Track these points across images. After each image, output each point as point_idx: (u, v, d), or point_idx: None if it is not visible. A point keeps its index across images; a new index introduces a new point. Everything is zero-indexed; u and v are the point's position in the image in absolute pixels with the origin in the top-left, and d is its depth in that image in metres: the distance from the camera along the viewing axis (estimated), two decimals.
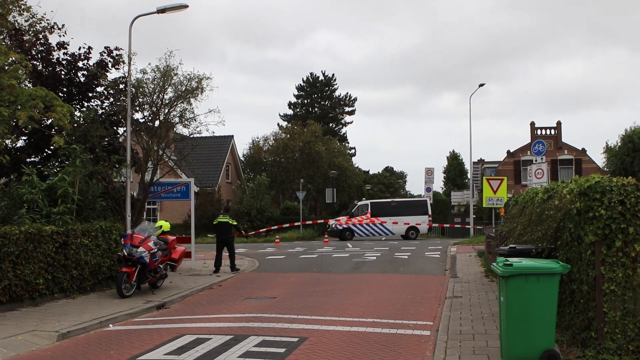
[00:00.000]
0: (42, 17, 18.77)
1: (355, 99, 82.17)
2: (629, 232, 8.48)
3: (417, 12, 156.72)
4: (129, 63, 19.30)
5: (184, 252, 18.63)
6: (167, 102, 20.52)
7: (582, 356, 8.58)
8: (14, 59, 14.94)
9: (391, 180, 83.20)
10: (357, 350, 9.91)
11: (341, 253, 28.91)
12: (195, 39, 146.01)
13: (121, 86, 20.19)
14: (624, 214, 8.51)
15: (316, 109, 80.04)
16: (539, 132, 57.73)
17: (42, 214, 15.83)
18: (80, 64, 20.07)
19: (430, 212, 45.86)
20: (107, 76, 20.29)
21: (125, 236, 16.06)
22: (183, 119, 20.84)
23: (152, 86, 20.22)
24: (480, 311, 12.86)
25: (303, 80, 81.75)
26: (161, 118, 20.67)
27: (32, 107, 14.78)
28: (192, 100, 20.45)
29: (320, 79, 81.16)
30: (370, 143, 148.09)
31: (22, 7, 17.73)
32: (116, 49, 20.51)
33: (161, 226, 17.68)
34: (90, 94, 20.32)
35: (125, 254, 15.51)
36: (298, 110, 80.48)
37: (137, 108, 20.56)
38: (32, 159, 19.65)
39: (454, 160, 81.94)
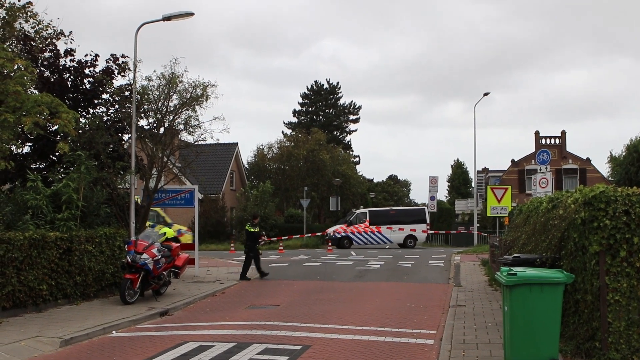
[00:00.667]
0: (49, 24, 18.83)
1: (359, 107, 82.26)
2: (634, 242, 8.47)
3: (422, 21, 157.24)
4: (135, 70, 19.36)
5: (188, 259, 18.63)
6: (172, 109, 20.54)
7: None
8: (20, 65, 14.99)
9: (395, 188, 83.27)
10: (361, 359, 9.89)
11: (345, 261, 28.87)
12: (202, 46, 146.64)
13: (126, 93, 20.23)
14: (629, 224, 8.50)
15: (321, 117, 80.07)
16: (543, 141, 57.70)
17: (46, 220, 15.86)
18: (86, 70, 20.12)
19: (428, 221, 45.83)
20: (112, 83, 20.33)
21: (129, 243, 16.07)
22: (188, 126, 20.86)
23: (157, 93, 20.24)
24: (484, 320, 12.83)
25: (308, 88, 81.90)
26: (166, 125, 20.70)
27: (37, 114, 14.80)
28: (196, 107, 20.46)
29: (324, 87, 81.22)
30: (375, 151, 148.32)
31: (29, 13, 17.78)
32: (122, 56, 20.58)
33: (165, 233, 17.70)
34: (95, 101, 20.36)
35: (129, 260, 15.52)
36: (302, 118, 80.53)
37: (142, 115, 20.58)
38: (37, 165, 19.67)
39: (458, 169, 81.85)
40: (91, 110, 20.34)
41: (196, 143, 21.70)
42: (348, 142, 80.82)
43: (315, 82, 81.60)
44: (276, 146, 62.25)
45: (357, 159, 79.04)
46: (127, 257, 15.64)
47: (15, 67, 14.83)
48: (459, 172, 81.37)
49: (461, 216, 64.40)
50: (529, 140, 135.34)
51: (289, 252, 36.66)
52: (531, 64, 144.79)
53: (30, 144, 19.48)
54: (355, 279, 21.44)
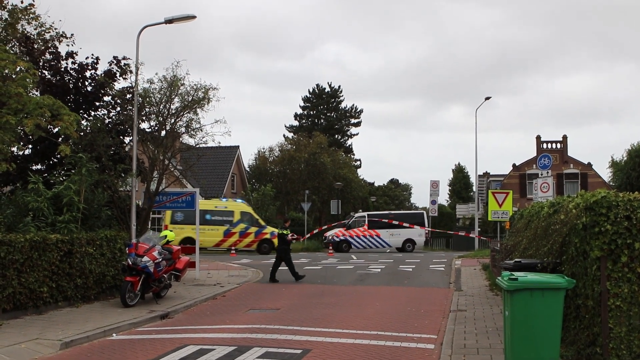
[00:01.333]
0: (51, 26, 18.84)
1: (361, 111, 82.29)
2: (635, 248, 8.47)
3: (426, 25, 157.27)
4: (136, 73, 19.37)
5: (189, 262, 18.63)
6: (173, 112, 20.54)
7: None
8: (22, 67, 15.00)
9: (396, 192, 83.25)
10: None
11: (346, 265, 28.85)
12: (205, 49, 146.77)
13: (128, 96, 20.24)
14: (630, 229, 8.50)
15: (322, 121, 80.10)
16: (544, 145, 57.69)
17: (47, 222, 15.85)
18: (87, 73, 20.13)
19: (427, 225, 45.82)
20: (114, 86, 20.34)
21: (130, 245, 16.07)
22: (189, 129, 20.85)
23: (159, 96, 20.25)
24: (484, 325, 12.81)
25: (309, 91, 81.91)
26: (167, 128, 20.69)
27: (39, 116, 14.81)
28: (198, 110, 20.47)
29: (326, 90, 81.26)
30: (377, 155, 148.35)
31: (31, 15, 17.81)
32: (124, 58, 20.58)
33: (166, 236, 17.70)
34: (97, 103, 20.37)
35: (130, 263, 15.51)
36: (304, 121, 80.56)
37: (144, 118, 20.58)
38: (38, 167, 19.68)
39: (460, 173, 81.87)
40: (92, 113, 20.35)
41: (197, 146, 21.70)
42: (349, 145, 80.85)
43: (317, 85, 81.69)
44: (277, 149, 62.30)
45: (358, 162, 79.10)
46: (128, 259, 15.63)
47: (18, 69, 14.85)
48: (460, 176, 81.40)
49: (462, 220, 64.40)
50: (530, 144, 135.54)
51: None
52: (534, 68, 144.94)
53: (31, 146, 19.49)
54: (356, 283, 21.42)
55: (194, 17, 19.10)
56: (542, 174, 27.49)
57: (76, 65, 19.98)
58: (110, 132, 19.57)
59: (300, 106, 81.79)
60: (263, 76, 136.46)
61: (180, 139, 21.87)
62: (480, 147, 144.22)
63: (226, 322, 13.73)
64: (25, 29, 18.04)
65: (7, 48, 16.00)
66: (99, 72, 20.30)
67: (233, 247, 38.74)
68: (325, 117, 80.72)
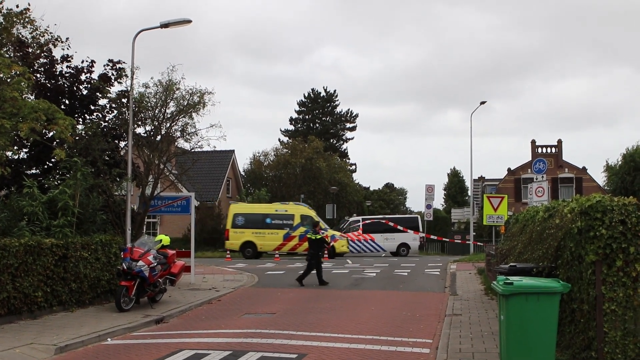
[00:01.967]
0: (46, 30, 18.83)
1: (356, 115, 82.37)
2: (630, 252, 8.49)
3: (424, 29, 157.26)
4: (132, 77, 19.37)
5: (184, 267, 18.59)
6: (169, 116, 20.56)
7: None
8: (17, 71, 14.99)
9: (391, 196, 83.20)
10: None
11: (341, 269, 28.84)
12: (203, 53, 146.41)
13: (124, 100, 20.24)
14: (625, 234, 8.52)
15: (317, 125, 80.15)
16: (539, 150, 57.80)
17: (42, 227, 15.82)
18: (82, 77, 20.12)
19: (421, 229, 45.83)
20: (109, 90, 20.32)
21: (125, 250, 16.04)
22: (185, 133, 20.88)
23: (155, 100, 20.27)
24: (480, 329, 12.82)
25: (304, 95, 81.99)
26: (163, 132, 20.70)
27: (34, 120, 14.80)
28: (193, 114, 20.49)
29: (322, 94, 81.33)
30: (373, 159, 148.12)
31: (26, 19, 17.79)
32: (119, 62, 20.55)
33: (161, 240, 17.67)
34: (92, 107, 20.35)
35: (125, 267, 15.48)
36: (299, 125, 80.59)
37: (139, 122, 20.59)
38: (33, 171, 19.65)
39: (455, 178, 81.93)
40: (88, 117, 20.33)
41: (193, 150, 21.71)
42: (344, 149, 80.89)
43: (313, 89, 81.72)
44: (272, 154, 62.29)
45: (353, 167, 79.11)
46: (123, 264, 15.60)
47: (13, 73, 14.83)
48: (455, 181, 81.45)
49: (457, 224, 64.45)
50: (525, 149, 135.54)
51: (285, 260, 36.60)
52: (531, 73, 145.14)
53: (26, 150, 19.47)
54: (351, 287, 21.41)
55: (189, 21, 19.12)
56: (537, 178, 27.57)
57: (71, 69, 19.97)
58: (106, 136, 19.55)
59: (295, 110, 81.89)
60: (260, 80, 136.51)
61: (176, 143, 21.89)
62: (475, 151, 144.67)
63: (221, 327, 13.71)
64: (20, 33, 18.03)
65: (2, 52, 15.98)
66: (94, 75, 20.30)
67: (293, 251, 38.61)
68: (321, 121, 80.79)
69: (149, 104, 20.26)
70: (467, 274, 25.29)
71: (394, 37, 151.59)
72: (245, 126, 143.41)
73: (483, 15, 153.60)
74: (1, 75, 14.48)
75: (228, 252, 39.01)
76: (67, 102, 19.77)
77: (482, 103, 46.84)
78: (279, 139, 75.86)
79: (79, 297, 15.80)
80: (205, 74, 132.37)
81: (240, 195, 54.64)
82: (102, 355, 11.06)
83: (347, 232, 44.30)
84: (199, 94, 20.28)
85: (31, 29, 18.27)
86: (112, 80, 20.41)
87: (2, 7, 16.96)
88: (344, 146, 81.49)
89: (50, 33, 19.03)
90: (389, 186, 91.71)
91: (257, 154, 63.31)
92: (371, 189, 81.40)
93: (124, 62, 20.59)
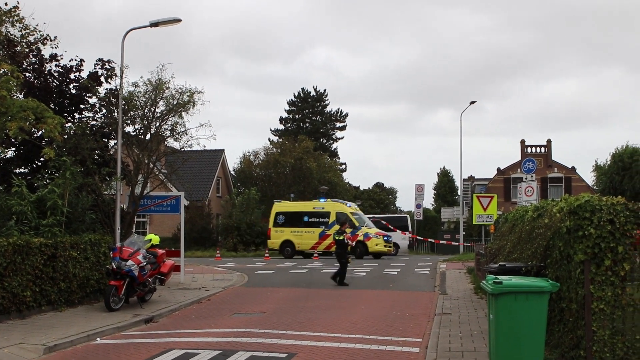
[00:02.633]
0: (35, 28, 18.75)
1: (346, 115, 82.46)
2: (618, 251, 8.53)
3: (416, 30, 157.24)
4: (121, 76, 19.34)
5: (173, 266, 18.54)
6: (158, 115, 20.52)
7: None
8: (5, 70, 14.92)
9: (381, 195, 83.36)
10: None
11: (331, 268, 28.81)
12: (195, 53, 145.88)
13: (113, 99, 20.18)
14: (614, 233, 8.56)
15: (307, 124, 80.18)
16: (529, 150, 58.01)
17: (30, 226, 15.75)
18: (72, 76, 20.06)
19: (410, 229, 45.81)
20: (98, 88, 20.26)
21: (114, 249, 15.98)
22: (174, 133, 20.85)
23: (144, 99, 20.22)
24: (469, 328, 12.85)
25: (294, 95, 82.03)
26: (152, 131, 20.66)
27: (22, 119, 14.74)
28: (183, 113, 20.46)
29: (311, 94, 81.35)
30: (365, 159, 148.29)
31: (15, 18, 17.72)
32: (108, 61, 20.53)
33: (150, 239, 17.63)
34: (81, 106, 20.30)
35: (114, 267, 15.43)
36: (289, 125, 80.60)
37: (129, 121, 20.54)
38: (22, 170, 19.57)
39: (445, 177, 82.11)
40: (77, 116, 20.27)
41: (182, 149, 21.67)
42: (334, 149, 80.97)
43: (303, 89, 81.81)
44: (262, 153, 62.26)
45: (343, 166, 79.18)
46: (112, 263, 15.55)
47: (1, 71, 14.77)
48: (445, 180, 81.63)
49: (447, 224, 64.59)
50: (515, 148, 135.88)
51: (274, 259, 36.59)
52: (522, 73, 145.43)
53: (14, 148, 19.38)
54: (341, 287, 21.41)
55: (179, 20, 19.07)
56: (526, 178, 27.71)
57: (60, 67, 19.92)
58: (95, 135, 19.50)
59: (285, 110, 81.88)
60: (252, 80, 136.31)
61: (165, 143, 21.85)
62: (466, 151, 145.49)
63: (211, 326, 13.69)
64: (9, 31, 17.94)
65: None
66: (83, 74, 20.24)
67: (327, 250, 36.94)
68: (311, 120, 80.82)
69: (138, 103, 20.22)
70: (456, 273, 25.35)
71: (386, 37, 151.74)
72: (236, 126, 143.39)
73: (474, 16, 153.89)
74: None
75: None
76: (56, 100, 19.70)
77: (472, 103, 47.03)
78: (269, 139, 75.92)
79: (68, 297, 15.74)
80: (198, 74, 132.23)
81: (231, 195, 54.57)
82: (91, 355, 11.03)
83: None
84: (188, 93, 20.27)
85: (20, 28, 18.20)
86: (102, 80, 20.36)
87: None
88: (334, 145, 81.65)
89: (40, 32, 19.00)
90: (379, 185, 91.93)
91: (247, 154, 63.31)
92: (361, 188, 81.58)
93: (113, 62, 20.59)
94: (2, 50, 18.21)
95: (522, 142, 58.14)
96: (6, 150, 18.82)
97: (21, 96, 17.73)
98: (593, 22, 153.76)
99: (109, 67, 20.41)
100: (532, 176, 27.81)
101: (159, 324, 14.45)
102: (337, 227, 35.76)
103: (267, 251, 38.98)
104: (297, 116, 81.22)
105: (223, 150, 56.91)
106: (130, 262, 15.53)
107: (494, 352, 8.77)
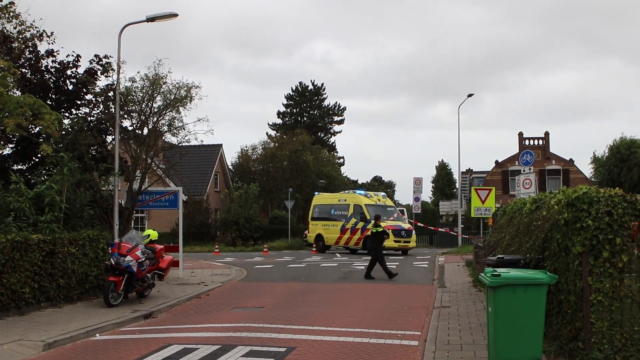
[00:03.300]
0: (32, 24, 18.70)
1: (344, 109, 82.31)
2: (616, 243, 8.53)
3: (415, 23, 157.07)
4: (118, 71, 19.29)
5: (172, 261, 18.55)
6: (155, 110, 20.49)
7: None
8: (1, 66, 14.88)
9: (379, 189, 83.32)
10: None
11: (329, 262, 28.89)
12: (193, 47, 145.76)
13: (110, 94, 20.14)
14: (611, 225, 8.57)
15: (305, 118, 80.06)
16: (527, 142, 58.05)
17: (29, 222, 15.72)
18: (68, 71, 20.01)
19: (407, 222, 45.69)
20: (96, 84, 20.22)
21: (113, 245, 15.98)
22: (172, 128, 20.82)
23: (141, 94, 20.18)
24: (468, 321, 12.87)
25: (292, 89, 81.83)
26: (150, 126, 20.62)
27: (20, 115, 14.71)
28: (181, 108, 20.42)
29: (309, 88, 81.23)
30: (364, 152, 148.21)
31: (11, 14, 17.66)
32: (105, 57, 20.46)
33: (149, 235, 17.62)
34: (78, 102, 20.24)
35: (113, 262, 15.42)
36: (287, 119, 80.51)
37: (126, 116, 20.51)
38: (19, 167, 19.54)
39: (443, 170, 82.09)
40: (74, 111, 20.23)
41: (180, 144, 21.66)
42: (332, 143, 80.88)
43: (300, 83, 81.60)
44: (260, 147, 62.24)
45: (341, 160, 79.13)
46: (111, 259, 15.54)
47: None
48: (443, 173, 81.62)
49: (445, 217, 64.60)
50: (513, 141, 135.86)
51: (273, 254, 36.64)
52: (522, 66, 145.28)
53: (12, 145, 19.35)
54: (340, 281, 21.45)
55: (175, 15, 19.02)
56: (524, 171, 27.70)
57: (57, 63, 19.86)
58: (92, 131, 19.47)
59: (283, 104, 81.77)
60: (250, 74, 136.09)
61: (163, 138, 21.82)
62: (464, 144, 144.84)
63: (210, 321, 13.70)
64: (5, 27, 17.89)
65: None
66: (80, 70, 20.20)
67: (346, 245, 35.92)
68: (308, 114, 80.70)
69: (135, 98, 20.18)
70: (455, 267, 25.40)
71: (385, 30, 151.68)
72: (235, 121, 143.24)
73: (474, 9, 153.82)
74: None
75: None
76: (53, 97, 19.66)
77: (470, 96, 47.04)
78: (267, 133, 75.85)
79: (67, 293, 15.74)
80: (196, 68, 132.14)
81: (230, 189, 54.58)
82: (90, 350, 11.03)
83: None
84: (185, 88, 20.23)
85: (16, 24, 18.14)
86: (98, 75, 20.31)
87: None
88: (332, 139, 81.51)
89: (36, 27, 18.94)
90: (377, 179, 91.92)
91: (245, 148, 63.29)
92: (359, 182, 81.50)
93: (110, 57, 20.52)
94: None
95: (520, 134, 58.18)
96: (4, 147, 18.78)
97: (18, 92, 17.68)
98: (592, 15, 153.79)
99: (105, 62, 20.37)
100: (530, 168, 27.82)
101: (158, 319, 14.45)
102: (354, 220, 35.30)
103: (265, 246, 38.95)
104: (294, 110, 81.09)
105: (221, 145, 56.94)
106: (129, 258, 15.53)
107: (492, 345, 8.78)
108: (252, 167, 61.01)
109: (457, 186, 54.88)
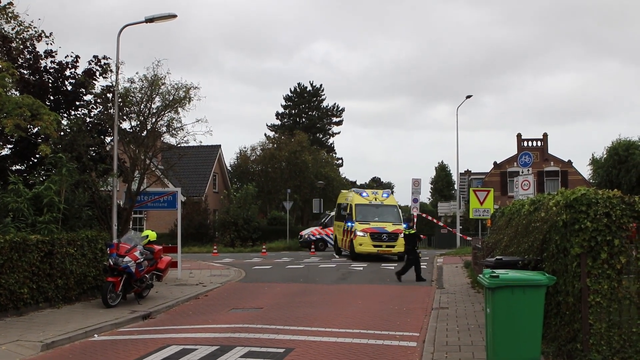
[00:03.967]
0: (30, 24, 18.68)
1: (343, 110, 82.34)
2: (615, 244, 8.54)
3: (415, 24, 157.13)
4: (117, 72, 19.27)
5: (170, 262, 18.55)
6: (154, 111, 20.48)
7: None
8: (0, 67, 14.87)
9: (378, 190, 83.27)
10: None
11: (328, 263, 28.88)
12: (192, 48, 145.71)
13: (109, 95, 20.13)
14: (610, 226, 8.57)
15: (304, 119, 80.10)
16: (525, 143, 58.00)
17: (27, 223, 15.72)
18: (67, 72, 19.99)
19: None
20: (94, 85, 20.21)
21: (111, 245, 15.98)
22: (170, 129, 20.82)
23: (140, 95, 20.18)
24: (466, 322, 12.88)
25: (291, 90, 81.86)
26: (148, 127, 20.62)
27: (18, 116, 14.71)
28: (179, 109, 20.43)
29: (308, 89, 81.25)
30: (363, 154, 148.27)
31: (10, 14, 17.65)
32: (104, 57, 20.45)
33: (147, 236, 17.62)
34: (77, 103, 20.23)
35: (111, 263, 15.43)
36: (286, 120, 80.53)
37: (125, 117, 20.50)
38: (18, 167, 19.53)
39: (442, 171, 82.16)
40: (73, 112, 20.22)
41: (179, 145, 21.65)
42: (331, 144, 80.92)
43: (299, 84, 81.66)
44: (259, 148, 62.24)
45: (340, 161, 79.15)
46: (109, 260, 15.55)
47: None
48: (442, 175, 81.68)
49: (444, 218, 64.61)
50: (512, 142, 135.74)
51: (272, 255, 36.64)
52: (521, 67, 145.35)
53: (10, 146, 19.34)
54: (338, 282, 21.45)
55: (174, 16, 19.02)
56: (522, 172, 27.71)
57: (55, 64, 19.85)
58: (91, 132, 19.46)
59: (282, 105, 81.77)
60: (250, 76, 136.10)
61: (162, 139, 21.82)
62: (463, 145, 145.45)
63: (209, 322, 13.70)
64: (3, 28, 17.88)
65: None
66: (79, 71, 20.17)
67: (347, 249, 33.84)
68: (307, 115, 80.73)
69: (134, 99, 20.18)
70: (453, 268, 25.41)
71: (385, 31, 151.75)
72: (234, 122, 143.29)
73: (473, 10, 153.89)
74: None
75: (215, 247, 38.65)
76: (51, 97, 19.65)
77: (468, 97, 46.92)
78: (265, 134, 75.85)
79: (65, 294, 15.73)
80: (195, 69, 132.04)
81: (228, 190, 54.60)
82: (88, 351, 11.03)
83: (328, 226, 43.53)
84: (184, 89, 20.23)
85: (14, 24, 18.13)
86: (97, 76, 20.30)
87: None
88: (331, 140, 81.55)
89: (34, 28, 18.92)
90: (375, 180, 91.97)
91: (244, 149, 63.29)
92: (358, 183, 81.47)
93: (109, 58, 20.50)
94: None
95: (519, 135, 58.14)
96: (2, 147, 18.77)
97: (17, 93, 17.67)
98: (591, 16, 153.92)
99: (104, 63, 20.35)
100: (528, 170, 27.83)
101: (156, 320, 14.45)
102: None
103: (263, 247, 38.96)
104: (293, 111, 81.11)
105: (219, 146, 56.92)
106: (127, 259, 15.53)
107: (491, 346, 8.79)
108: (250, 168, 61.01)
109: (456, 187, 54.89)
